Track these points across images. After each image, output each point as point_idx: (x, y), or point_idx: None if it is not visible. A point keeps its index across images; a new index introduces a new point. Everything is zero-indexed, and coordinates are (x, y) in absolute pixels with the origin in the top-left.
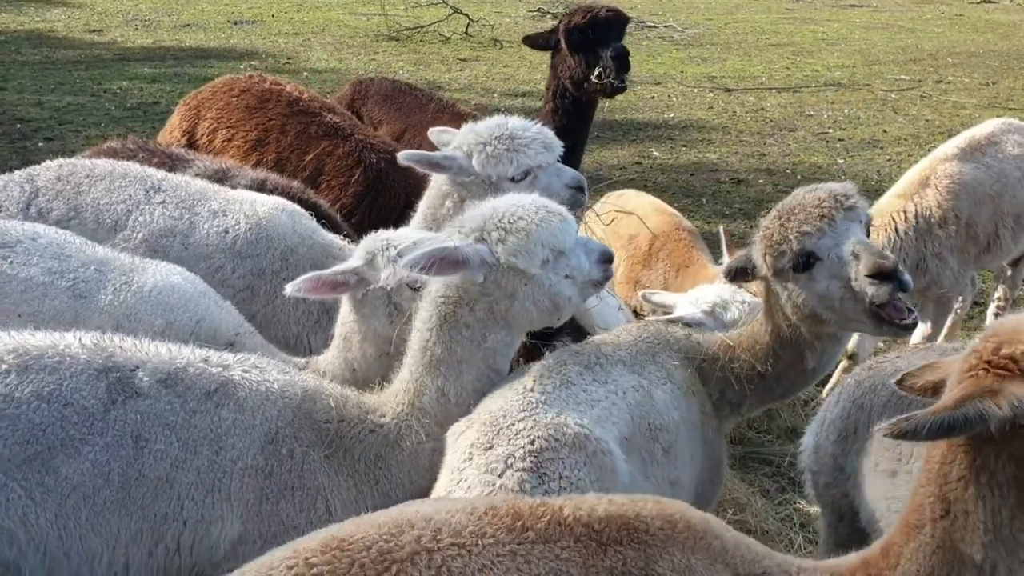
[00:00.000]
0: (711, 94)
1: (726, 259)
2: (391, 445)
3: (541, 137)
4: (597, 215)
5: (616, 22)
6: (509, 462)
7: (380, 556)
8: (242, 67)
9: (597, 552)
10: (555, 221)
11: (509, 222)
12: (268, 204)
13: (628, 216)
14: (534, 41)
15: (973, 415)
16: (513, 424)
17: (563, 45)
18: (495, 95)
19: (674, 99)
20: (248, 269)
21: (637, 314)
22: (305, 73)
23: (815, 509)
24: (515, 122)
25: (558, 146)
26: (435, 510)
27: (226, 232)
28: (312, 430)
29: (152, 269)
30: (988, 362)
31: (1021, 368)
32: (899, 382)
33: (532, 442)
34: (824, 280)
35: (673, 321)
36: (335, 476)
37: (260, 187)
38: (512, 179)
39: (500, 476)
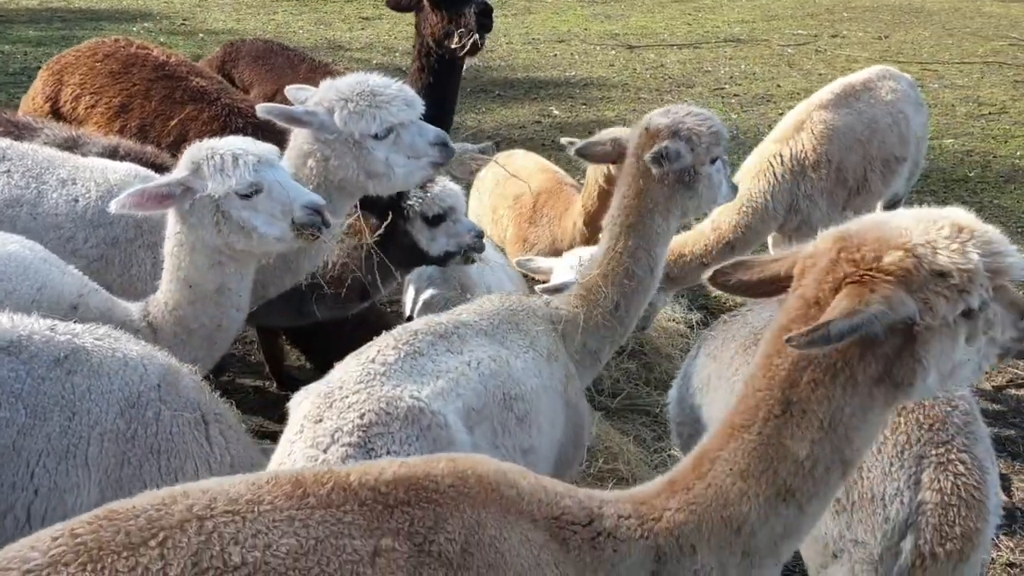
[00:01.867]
0: (613, 51)
1: None
2: None
3: (403, 95)
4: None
5: None
6: (336, 436)
7: (148, 524)
8: (135, 29)
9: (383, 514)
10: None
11: None
12: (120, 171)
13: (514, 177)
14: (396, 4)
15: (869, 318)
16: (347, 396)
17: (425, 2)
18: (397, 54)
19: (576, 57)
20: (101, 238)
21: (527, 277)
22: (201, 35)
23: None
24: (376, 79)
25: (419, 103)
26: (218, 483)
27: (76, 200)
28: (178, 396)
29: None
30: (872, 268)
31: (900, 275)
32: (711, 279)
33: (362, 416)
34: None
35: (555, 288)
36: (207, 444)
37: (112, 154)
38: (375, 136)
39: (325, 451)
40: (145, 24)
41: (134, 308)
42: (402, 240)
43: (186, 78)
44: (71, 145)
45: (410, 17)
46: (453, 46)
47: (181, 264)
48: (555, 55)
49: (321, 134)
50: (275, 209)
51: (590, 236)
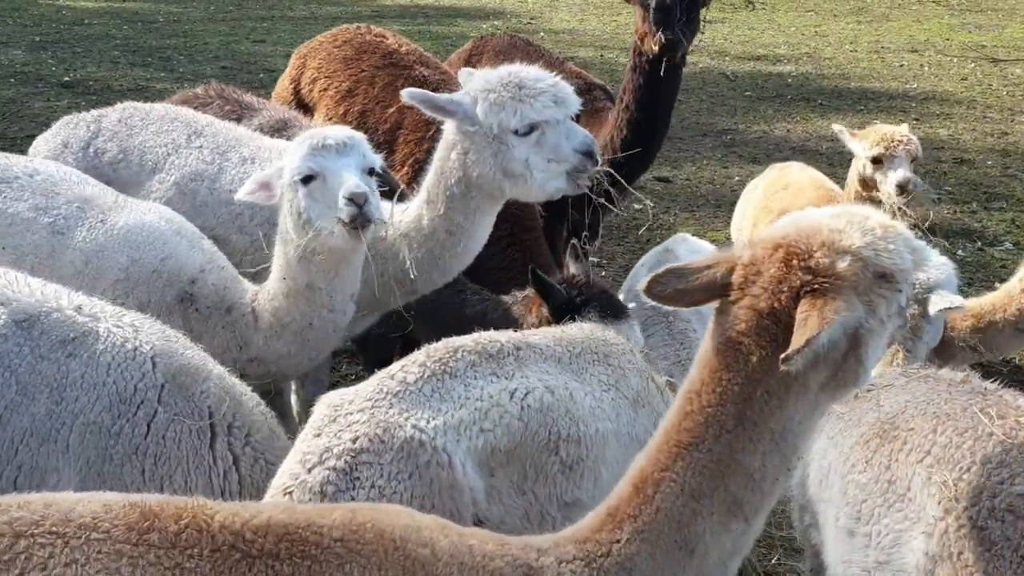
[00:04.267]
0: (972, 64)
1: None
2: None
3: (553, 91)
4: None
5: None
6: (324, 457)
7: None
8: (485, 26)
9: (239, 565)
10: None
11: None
12: None
13: (784, 190)
14: None
15: (840, 326)
16: (351, 413)
17: None
18: (727, 58)
19: (926, 68)
20: (265, 218)
21: None
22: (541, 33)
23: None
24: (531, 71)
25: (573, 102)
26: (75, 499)
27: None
28: (186, 401)
29: (130, 208)
30: (829, 276)
31: (853, 280)
32: (646, 289)
33: (355, 439)
34: None
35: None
36: (209, 457)
37: None
38: (516, 132)
39: (309, 471)
40: (495, 22)
41: (249, 292)
42: None
43: (411, 67)
44: (281, 127)
45: (754, 20)
46: (644, 47)
47: (279, 254)
48: (901, 65)
49: (463, 125)
50: (329, 199)
51: None
